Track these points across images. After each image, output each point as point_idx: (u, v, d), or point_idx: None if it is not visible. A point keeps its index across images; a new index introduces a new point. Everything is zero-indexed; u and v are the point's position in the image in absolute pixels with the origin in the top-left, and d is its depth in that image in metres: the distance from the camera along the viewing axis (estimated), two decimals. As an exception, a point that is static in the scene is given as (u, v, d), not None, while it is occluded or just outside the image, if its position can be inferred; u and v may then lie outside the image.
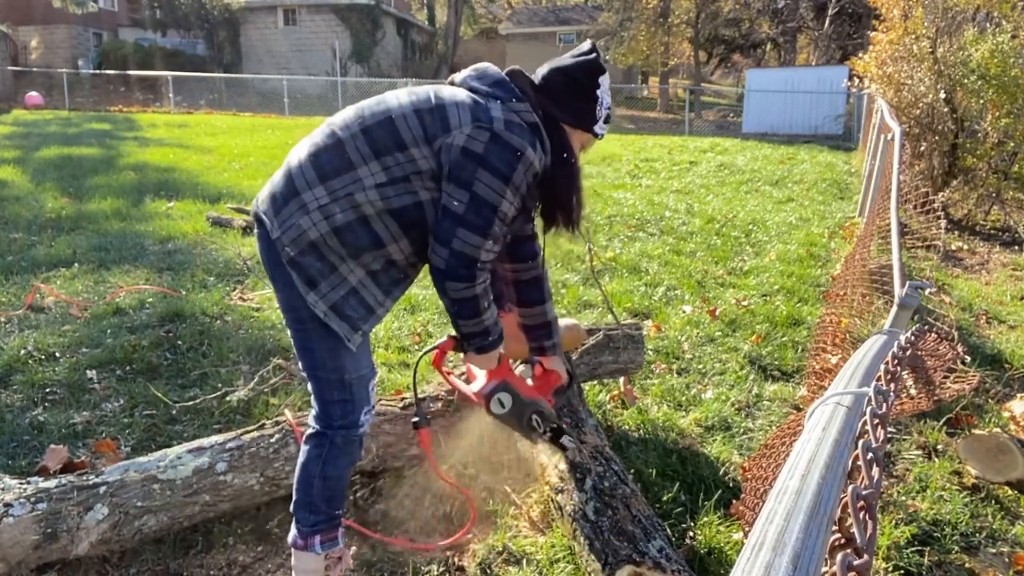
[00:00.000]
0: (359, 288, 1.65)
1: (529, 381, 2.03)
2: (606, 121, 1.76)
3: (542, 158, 1.63)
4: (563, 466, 2.16)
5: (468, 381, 1.95)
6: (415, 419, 1.88)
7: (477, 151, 1.54)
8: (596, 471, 2.09)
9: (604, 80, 1.72)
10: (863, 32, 19.08)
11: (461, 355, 1.89)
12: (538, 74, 1.73)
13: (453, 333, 1.84)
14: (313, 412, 1.79)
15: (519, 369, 2.08)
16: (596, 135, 1.76)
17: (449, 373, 1.95)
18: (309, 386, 1.78)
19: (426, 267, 1.73)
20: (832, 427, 0.93)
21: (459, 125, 1.56)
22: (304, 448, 1.80)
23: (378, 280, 1.68)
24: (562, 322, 2.71)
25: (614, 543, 1.81)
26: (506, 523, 2.19)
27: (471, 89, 1.65)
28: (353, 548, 2.04)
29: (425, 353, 1.92)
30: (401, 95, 1.65)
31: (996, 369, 3.56)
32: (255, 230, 1.72)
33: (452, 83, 1.71)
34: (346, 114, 1.66)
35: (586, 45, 1.75)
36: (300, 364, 1.77)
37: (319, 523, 1.80)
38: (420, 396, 1.98)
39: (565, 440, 2.04)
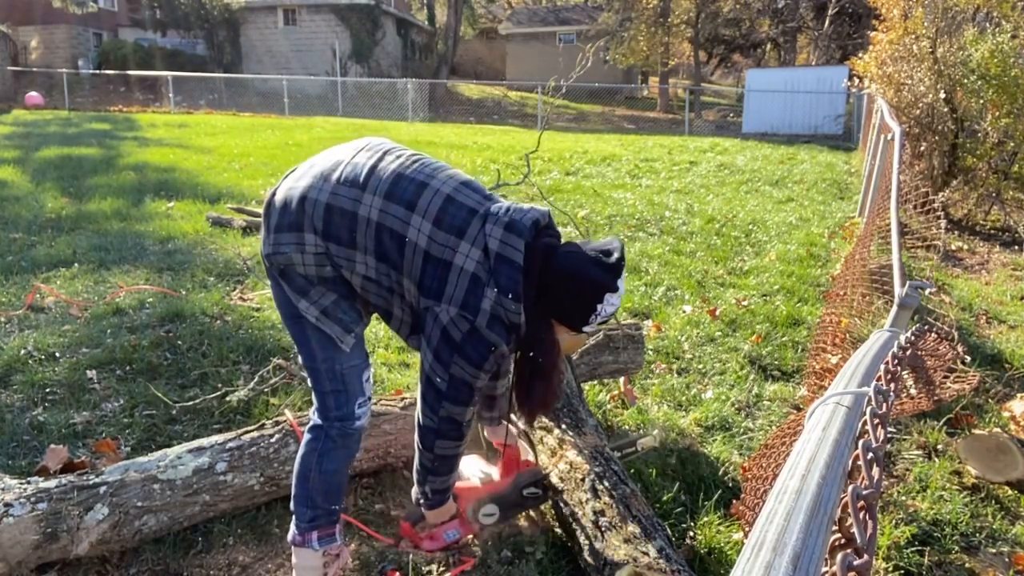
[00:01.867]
0: (348, 295, 1.72)
1: (495, 473, 2.09)
2: (600, 323, 1.68)
3: (515, 344, 1.68)
4: (563, 466, 2.16)
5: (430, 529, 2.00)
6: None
7: (455, 338, 1.59)
8: (595, 471, 2.09)
9: (611, 297, 1.62)
10: (863, 32, 19.08)
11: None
12: (559, 255, 1.62)
13: (402, 517, 2.03)
14: (313, 405, 1.83)
15: (475, 474, 2.12)
16: (581, 332, 1.71)
17: (430, 538, 2.00)
18: (309, 380, 1.81)
19: None
20: (832, 427, 0.93)
21: (449, 301, 1.58)
22: (304, 440, 1.84)
23: (356, 298, 1.76)
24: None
25: (615, 542, 1.81)
26: (507, 523, 2.19)
27: (486, 249, 1.57)
28: (352, 546, 2.04)
29: (396, 545, 2.02)
30: (432, 212, 1.58)
31: (996, 369, 3.56)
32: (262, 221, 1.73)
33: (484, 218, 1.60)
34: (384, 177, 1.60)
35: (615, 255, 1.61)
36: (299, 357, 1.82)
37: (316, 518, 1.81)
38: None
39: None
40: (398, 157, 1.66)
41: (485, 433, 2.24)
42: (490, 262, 1.57)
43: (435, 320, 1.60)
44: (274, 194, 1.68)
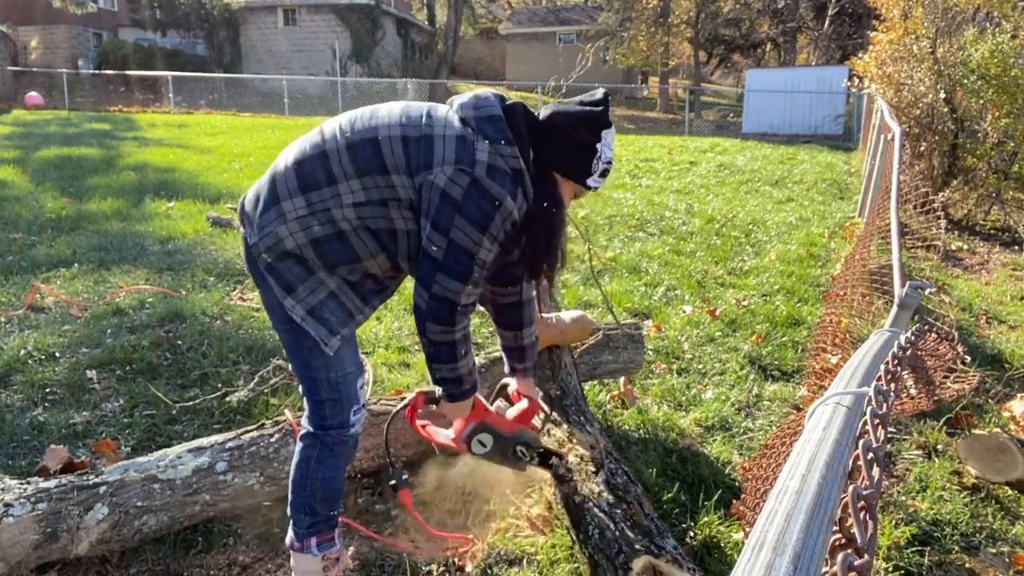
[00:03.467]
0: (338, 292, 1.66)
1: (510, 413, 2.04)
2: (602, 175, 1.68)
3: (522, 206, 1.59)
4: (572, 458, 2.16)
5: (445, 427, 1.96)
6: (392, 482, 1.89)
7: (455, 196, 1.51)
8: (608, 467, 2.10)
9: (607, 134, 1.63)
10: (863, 32, 19.08)
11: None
12: (541, 114, 1.67)
13: (423, 389, 1.89)
14: (305, 413, 1.80)
15: (496, 405, 2.09)
16: (588, 187, 1.69)
17: (424, 426, 1.97)
18: (300, 388, 1.79)
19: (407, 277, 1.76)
20: (832, 427, 0.93)
21: (442, 162, 1.52)
22: (297, 449, 1.81)
23: (356, 289, 1.69)
24: (570, 314, 2.72)
25: (628, 535, 1.80)
26: (506, 523, 2.19)
27: (463, 120, 1.57)
28: (352, 548, 2.04)
29: (397, 412, 1.95)
30: (394, 112, 1.61)
31: (996, 369, 3.56)
32: (241, 229, 1.72)
33: (450, 105, 1.64)
34: (338, 122, 1.63)
35: (599, 93, 1.66)
36: (291, 365, 1.78)
37: (315, 524, 1.80)
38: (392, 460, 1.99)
39: (554, 460, 2.07)
40: (340, 115, 1.69)
41: (511, 381, 2.14)
42: (471, 126, 1.55)
43: (431, 187, 1.52)
44: (244, 200, 1.70)
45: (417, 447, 2.40)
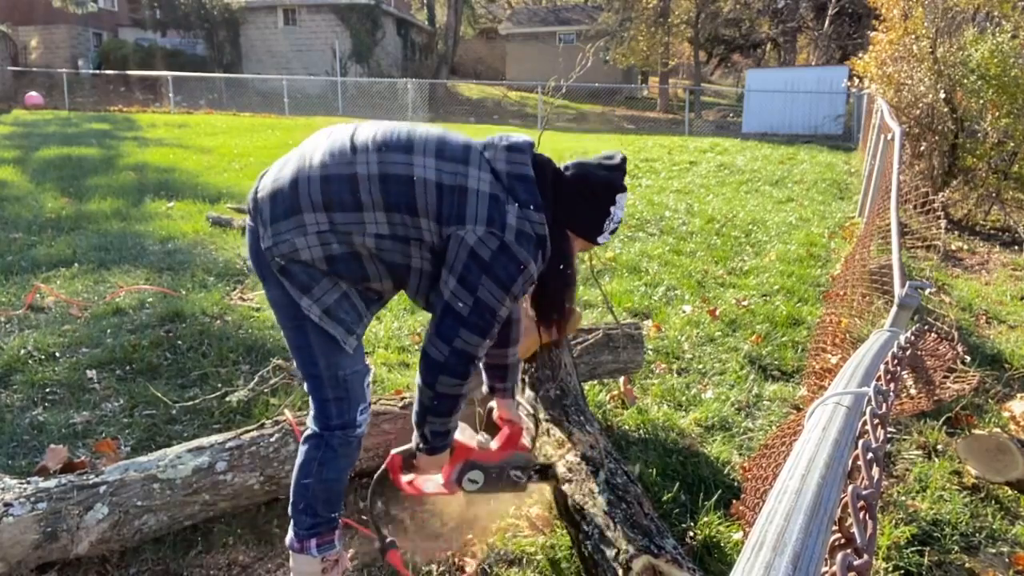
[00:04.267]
0: (349, 293, 1.68)
1: (494, 443, 2.04)
2: (611, 232, 1.76)
3: (541, 267, 1.66)
4: (571, 457, 2.16)
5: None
6: (378, 545, 1.88)
7: (484, 257, 1.55)
8: (608, 467, 2.10)
9: (621, 197, 1.70)
10: (863, 32, 19.08)
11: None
12: (564, 170, 1.71)
13: (396, 450, 1.90)
14: (311, 413, 1.79)
15: (476, 440, 2.09)
16: (596, 243, 1.78)
17: (410, 483, 1.95)
18: (305, 386, 1.78)
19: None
20: (832, 427, 0.93)
21: (474, 221, 1.55)
22: (302, 450, 1.80)
23: (360, 295, 1.72)
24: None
25: (629, 534, 1.80)
26: (506, 523, 2.19)
27: (495, 173, 1.60)
28: (352, 550, 2.04)
29: (378, 476, 1.94)
30: (430, 144, 1.60)
31: (996, 369, 3.56)
32: (247, 221, 1.70)
33: (484, 148, 1.64)
34: (371, 135, 1.61)
35: (617, 157, 1.72)
36: (295, 364, 1.77)
37: (316, 526, 1.79)
38: (377, 515, 1.99)
39: (551, 471, 2.08)
40: (373, 125, 1.68)
41: (494, 404, 2.16)
42: (503, 182, 1.59)
43: (460, 243, 1.55)
44: (256, 192, 1.65)
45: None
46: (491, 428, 2.18)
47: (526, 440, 2.13)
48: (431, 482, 1.93)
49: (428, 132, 1.65)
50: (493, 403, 2.13)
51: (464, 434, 2.05)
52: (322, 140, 1.65)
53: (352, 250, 1.60)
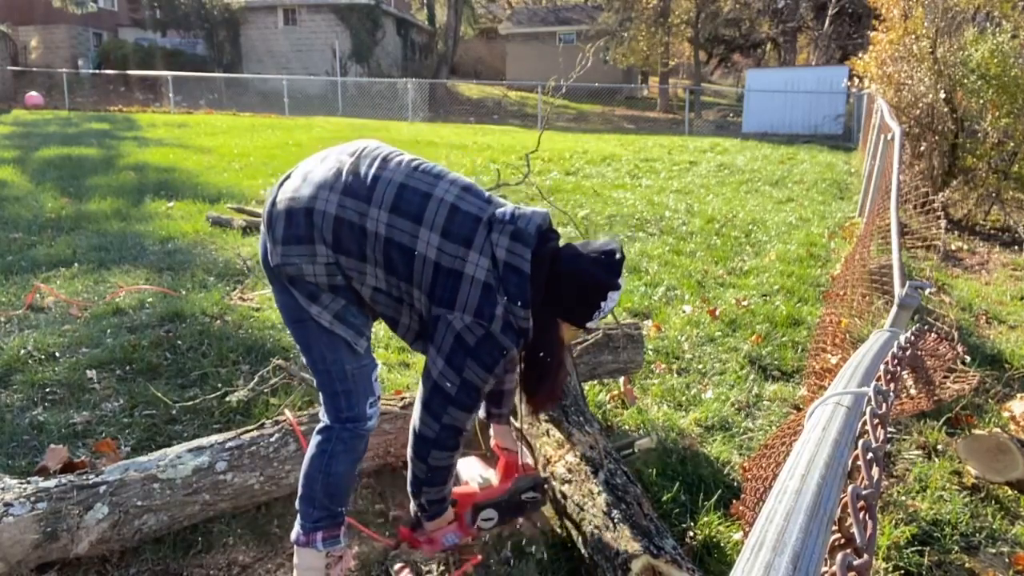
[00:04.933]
0: (356, 301, 1.73)
1: (493, 478, 2.09)
2: (600, 318, 1.76)
3: (521, 346, 1.71)
4: (571, 458, 2.17)
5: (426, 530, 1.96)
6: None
7: (470, 343, 1.62)
8: (608, 467, 2.10)
9: (614, 295, 1.71)
10: (863, 32, 19.08)
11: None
12: (562, 259, 1.69)
13: (400, 523, 2.00)
14: (321, 407, 1.83)
15: (476, 481, 2.10)
16: (584, 329, 1.80)
17: (430, 541, 1.96)
18: (315, 382, 1.81)
19: None
20: (832, 427, 0.93)
21: (463, 309, 1.60)
22: (313, 442, 1.83)
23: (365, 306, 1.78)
24: None
25: (628, 534, 1.80)
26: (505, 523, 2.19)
27: (494, 258, 1.61)
28: (355, 548, 2.04)
29: (395, 548, 1.99)
30: (439, 220, 1.60)
31: (996, 369, 3.56)
32: (262, 228, 1.71)
33: (490, 225, 1.63)
34: (388, 190, 1.60)
35: (616, 254, 1.69)
36: (304, 360, 1.81)
37: (322, 519, 1.81)
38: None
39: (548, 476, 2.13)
40: (399, 164, 1.66)
41: (491, 433, 2.24)
42: (498, 271, 1.62)
43: (448, 327, 1.62)
44: (274, 202, 1.65)
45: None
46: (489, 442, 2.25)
47: (527, 458, 2.15)
48: (448, 537, 1.96)
49: (443, 197, 1.63)
50: (490, 433, 2.19)
51: (469, 471, 2.11)
52: (344, 164, 1.64)
53: (354, 289, 1.69)
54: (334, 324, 1.69)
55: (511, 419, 2.25)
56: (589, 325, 1.77)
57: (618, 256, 1.69)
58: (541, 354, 1.74)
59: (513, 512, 2.03)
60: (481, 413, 2.17)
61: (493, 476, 2.10)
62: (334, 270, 1.63)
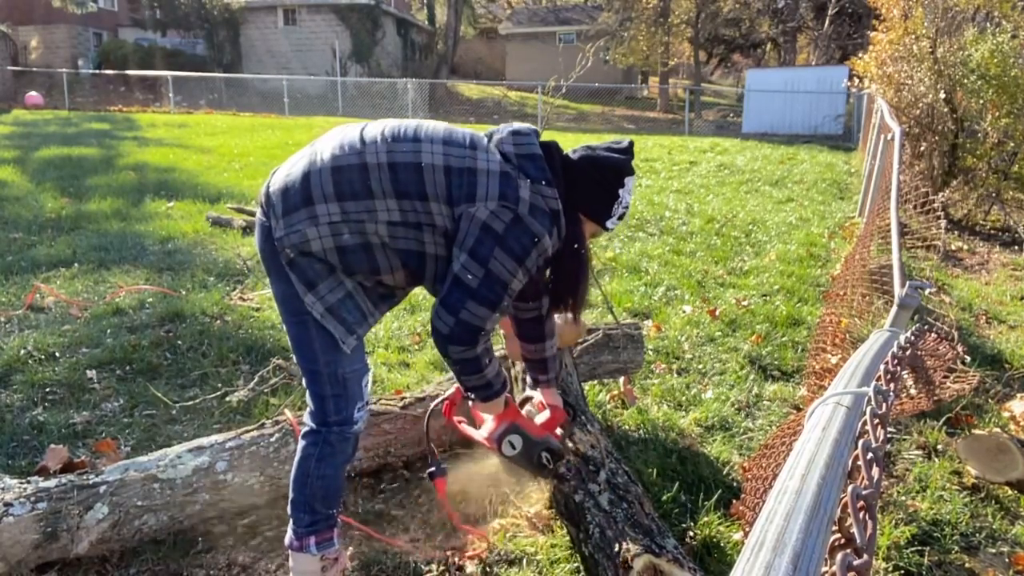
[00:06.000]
0: (354, 293, 1.70)
1: (538, 419, 2.07)
2: (620, 218, 1.78)
3: (556, 244, 1.67)
4: (571, 458, 2.16)
5: (477, 425, 1.99)
6: (431, 470, 1.92)
7: (497, 230, 1.56)
8: (609, 467, 2.10)
9: (630, 181, 1.73)
10: (863, 32, 19.08)
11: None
12: (571, 154, 1.74)
13: (449, 397, 1.97)
14: (308, 409, 1.81)
15: (524, 410, 2.12)
16: (606, 228, 1.79)
17: (460, 421, 1.99)
18: (304, 382, 1.79)
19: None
20: (832, 427, 0.93)
21: (485, 198, 1.57)
22: (300, 446, 1.81)
23: (368, 294, 1.73)
24: (560, 317, 2.72)
25: (629, 533, 1.80)
26: (506, 523, 2.19)
27: (504, 155, 1.63)
28: (351, 549, 2.04)
29: (436, 405, 2.00)
30: (437, 136, 1.63)
31: (996, 369, 3.56)
32: (257, 215, 1.71)
33: (489, 137, 1.69)
34: (380, 129, 1.64)
35: (625, 141, 1.76)
36: (295, 359, 1.79)
37: (314, 523, 1.80)
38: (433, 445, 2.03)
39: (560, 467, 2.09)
40: (382, 121, 1.70)
41: (534, 393, 2.19)
42: (512, 162, 1.62)
43: (472, 219, 1.56)
44: (268, 187, 1.66)
45: (417, 447, 2.40)
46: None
47: (560, 432, 2.14)
48: (476, 431, 1.96)
49: (435, 125, 1.69)
50: (534, 392, 2.15)
51: (530, 401, 2.11)
52: (333, 136, 1.68)
53: (364, 240, 1.61)
54: (325, 317, 1.65)
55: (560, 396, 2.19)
56: (610, 224, 1.76)
57: (627, 142, 1.72)
58: (567, 250, 1.72)
59: (529, 458, 1.96)
60: (528, 382, 2.15)
61: (539, 419, 2.08)
62: (339, 227, 1.58)
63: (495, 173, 1.59)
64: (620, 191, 1.71)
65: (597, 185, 1.70)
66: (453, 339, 1.63)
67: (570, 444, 2.22)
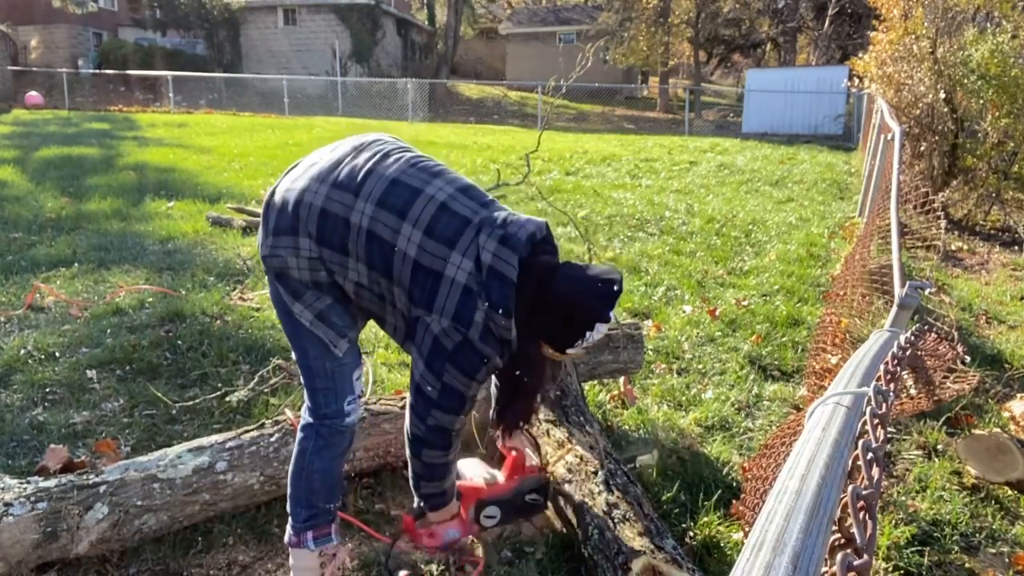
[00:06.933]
0: (342, 300, 1.72)
1: (499, 476, 2.07)
2: (583, 346, 1.67)
3: (506, 357, 1.64)
4: (571, 458, 2.16)
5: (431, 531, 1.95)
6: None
7: (448, 347, 1.56)
8: (608, 467, 2.10)
9: (601, 326, 1.61)
10: (863, 32, 19.07)
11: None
12: (558, 277, 1.60)
13: (405, 511, 1.97)
14: (305, 403, 1.83)
15: (483, 477, 2.08)
16: (564, 355, 1.70)
17: (430, 535, 1.94)
18: (301, 376, 1.82)
19: None
20: (832, 427, 0.93)
21: (440, 311, 1.55)
22: (296, 440, 1.84)
23: (354, 303, 1.75)
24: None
25: (628, 534, 1.80)
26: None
27: (478, 261, 1.53)
28: (349, 546, 2.04)
29: (395, 542, 1.97)
30: (423, 221, 1.54)
31: (996, 369, 3.56)
32: (261, 218, 1.72)
33: (481, 227, 1.56)
34: (379, 184, 1.57)
35: (615, 283, 1.59)
36: (292, 353, 1.82)
37: (311, 518, 1.81)
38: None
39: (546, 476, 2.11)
40: (398, 160, 1.63)
41: (496, 434, 2.21)
42: (482, 275, 1.53)
43: (426, 329, 1.57)
44: (274, 192, 1.66)
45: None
46: (492, 446, 2.22)
47: (533, 460, 2.14)
48: (450, 532, 1.95)
49: (434, 195, 1.58)
50: (496, 432, 2.14)
51: (472, 471, 2.09)
52: (346, 158, 1.63)
53: (338, 286, 1.66)
54: (315, 324, 1.68)
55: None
56: (570, 352, 1.66)
57: (616, 288, 1.58)
58: (517, 372, 1.69)
59: (516, 512, 2.02)
60: (491, 412, 2.13)
61: (499, 475, 2.09)
62: (317, 265, 1.60)
63: (459, 286, 1.53)
64: (588, 332, 1.60)
65: (567, 322, 1.60)
66: (428, 443, 1.69)
67: (562, 449, 2.23)
